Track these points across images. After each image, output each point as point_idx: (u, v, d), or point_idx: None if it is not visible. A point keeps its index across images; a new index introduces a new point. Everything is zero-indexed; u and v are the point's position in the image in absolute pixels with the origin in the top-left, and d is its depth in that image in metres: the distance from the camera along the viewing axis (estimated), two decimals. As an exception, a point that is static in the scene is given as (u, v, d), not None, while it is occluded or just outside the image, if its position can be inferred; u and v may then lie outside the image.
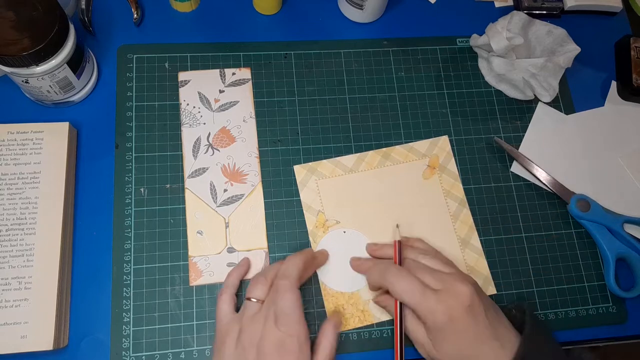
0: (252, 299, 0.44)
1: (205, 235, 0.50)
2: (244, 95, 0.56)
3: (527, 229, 0.54)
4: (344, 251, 0.51)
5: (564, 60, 0.57)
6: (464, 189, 0.55)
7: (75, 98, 0.52)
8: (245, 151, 0.54)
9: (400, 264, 0.47)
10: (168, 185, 0.52)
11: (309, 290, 0.50)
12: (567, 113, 0.60)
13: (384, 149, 0.55)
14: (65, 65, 0.47)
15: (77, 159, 0.52)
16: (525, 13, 0.60)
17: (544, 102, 0.59)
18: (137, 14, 0.57)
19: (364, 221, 0.52)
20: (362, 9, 0.59)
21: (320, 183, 0.53)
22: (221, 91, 0.56)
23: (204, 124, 0.54)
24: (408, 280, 0.43)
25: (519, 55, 0.58)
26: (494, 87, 0.60)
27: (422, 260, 0.47)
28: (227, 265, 0.50)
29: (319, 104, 0.57)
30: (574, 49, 0.57)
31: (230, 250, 0.50)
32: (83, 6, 0.55)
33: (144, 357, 0.46)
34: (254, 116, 0.55)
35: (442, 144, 0.56)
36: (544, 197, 0.56)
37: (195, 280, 0.49)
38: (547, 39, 0.58)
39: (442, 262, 0.46)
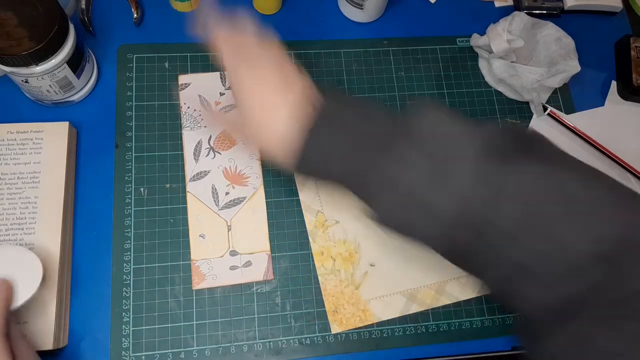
0: None
1: (207, 238, 0.50)
2: (244, 95, 0.56)
3: (527, 228, 0.54)
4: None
5: (560, 80, 0.56)
6: (464, 188, 0.55)
7: (75, 98, 0.52)
8: (246, 154, 0.54)
9: None
10: (168, 185, 0.52)
11: (309, 289, 0.50)
12: (567, 113, 0.60)
13: (384, 149, 0.55)
14: (65, 65, 0.47)
15: (77, 159, 0.52)
16: (526, 13, 0.60)
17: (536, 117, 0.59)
18: (137, 14, 0.57)
19: (364, 221, 0.52)
20: (362, 9, 0.59)
21: (320, 183, 0.53)
22: (222, 94, 0.56)
23: (205, 126, 0.54)
24: None
25: (520, 57, 0.58)
26: (494, 87, 0.60)
27: None
28: (229, 269, 0.50)
29: (319, 104, 0.56)
30: (574, 67, 0.56)
31: (233, 253, 0.50)
32: (83, 6, 0.55)
33: (143, 357, 0.46)
34: (254, 116, 0.55)
35: (442, 143, 0.56)
36: (544, 197, 0.56)
37: (198, 284, 0.49)
38: (555, 46, 0.58)
39: None
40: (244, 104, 0.40)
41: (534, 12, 0.63)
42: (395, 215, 0.36)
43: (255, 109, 0.39)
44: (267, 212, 0.52)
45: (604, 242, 0.31)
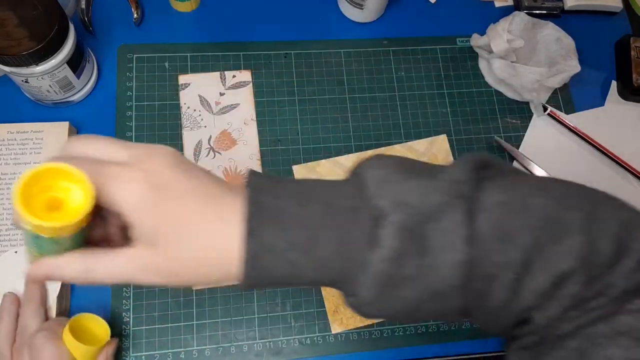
0: None
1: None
2: (245, 98, 0.56)
3: (527, 228, 0.54)
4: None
5: (560, 80, 0.56)
6: (464, 188, 0.55)
7: (75, 98, 0.52)
8: (246, 154, 0.54)
9: None
10: (168, 185, 0.52)
11: (309, 289, 0.50)
12: (567, 113, 0.60)
13: (383, 148, 0.55)
14: (65, 64, 0.47)
15: (77, 159, 0.51)
16: (526, 13, 0.60)
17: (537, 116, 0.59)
18: (137, 14, 0.57)
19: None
20: (362, 9, 0.58)
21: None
22: (222, 94, 0.56)
23: (205, 127, 0.54)
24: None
25: (520, 57, 0.58)
26: (494, 87, 0.60)
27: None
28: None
29: (319, 104, 0.57)
30: (574, 67, 0.56)
31: (230, 250, 0.50)
32: (83, 6, 0.55)
33: (143, 357, 0.46)
34: (255, 118, 0.55)
35: (441, 142, 0.56)
36: (544, 197, 0.56)
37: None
38: (555, 46, 0.58)
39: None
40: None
41: (534, 12, 0.63)
42: (393, 304, 0.30)
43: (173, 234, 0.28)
44: (267, 212, 0.52)
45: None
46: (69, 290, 0.47)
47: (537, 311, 0.30)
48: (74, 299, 0.47)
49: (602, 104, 0.61)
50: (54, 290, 0.44)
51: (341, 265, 0.29)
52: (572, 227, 0.29)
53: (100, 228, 0.31)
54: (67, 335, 0.39)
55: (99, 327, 0.43)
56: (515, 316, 0.30)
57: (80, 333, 0.41)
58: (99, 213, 0.29)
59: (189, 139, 0.53)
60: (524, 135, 0.58)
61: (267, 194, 0.29)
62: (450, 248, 0.28)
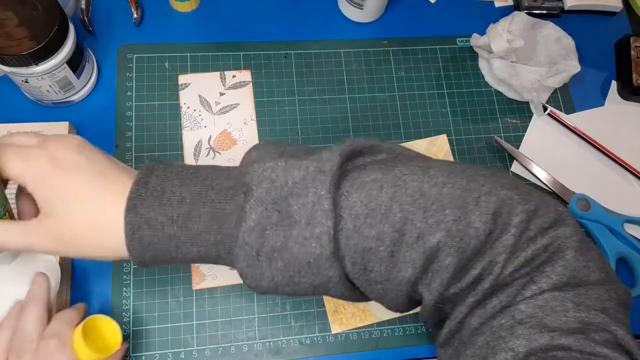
0: None
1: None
2: (245, 98, 0.56)
3: (527, 228, 0.54)
4: None
5: (560, 80, 0.56)
6: (464, 188, 0.55)
7: (75, 98, 0.52)
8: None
9: None
10: (168, 185, 0.52)
11: (309, 290, 0.50)
12: (567, 113, 0.60)
13: (384, 149, 0.55)
14: (65, 64, 0.47)
15: (77, 159, 0.51)
16: (526, 13, 0.60)
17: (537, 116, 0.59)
18: (137, 14, 0.57)
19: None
20: (362, 9, 0.59)
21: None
22: (222, 94, 0.56)
23: (205, 127, 0.54)
24: None
25: (520, 57, 0.58)
26: (494, 87, 0.60)
27: None
28: (229, 269, 0.49)
29: (319, 104, 0.57)
30: (574, 67, 0.56)
31: (230, 250, 0.50)
32: (83, 6, 0.55)
33: (143, 357, 0.46)
34: (255, 118, 0.55)
35: (441, 142, 0.56)
36: (544, 197, 0.56)
37: (198, 284, 0.49)
38: (555, 46, 0.58)
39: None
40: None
41: (534, 12, 0.63)
42: (278, 281, 0.32)
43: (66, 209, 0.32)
44: (267, 212, 0.52)
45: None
46: (69, 288, 0.47)
47: (422, 286, 0.31)
48: (73, 298, 0.47)
49: (602, 104, 0.61)
50: (53, 289, 0.44)
51: (217, 239, 0.31)
52: (444, 202, 0.30)
53: (30, 207, 0.35)
54: (78, 342, 0.37)
55: (111, 331, 0.40)
56: (402, 291, 0.31)
57: (91, 335, 0.39)
58: (24, 191, 0.34)
59: (189, 139, 0.53)
60: (524, 135, 0.58)
61: (155, 175, 0.32)
62: (314, 221, 0.30)
